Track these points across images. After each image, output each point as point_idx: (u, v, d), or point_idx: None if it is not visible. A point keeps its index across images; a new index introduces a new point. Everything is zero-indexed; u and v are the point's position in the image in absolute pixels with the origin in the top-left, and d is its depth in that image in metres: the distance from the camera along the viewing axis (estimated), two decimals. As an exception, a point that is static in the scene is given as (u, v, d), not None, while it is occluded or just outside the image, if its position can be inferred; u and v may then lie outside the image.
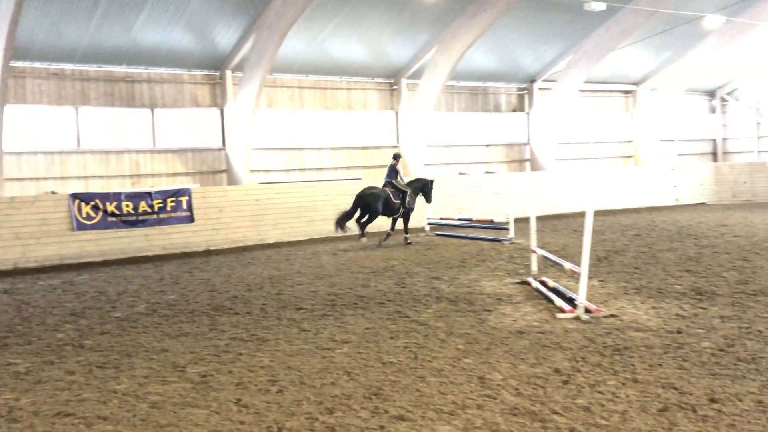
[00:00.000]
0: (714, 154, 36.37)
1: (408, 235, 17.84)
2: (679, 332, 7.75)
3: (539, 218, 21.51)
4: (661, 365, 6.56)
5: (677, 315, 8.60)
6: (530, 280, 11.12)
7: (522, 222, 18.91)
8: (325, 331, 8.47)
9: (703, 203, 28.44)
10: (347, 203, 20.03)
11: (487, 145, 28.99)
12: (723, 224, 19.57)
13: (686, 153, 35.00)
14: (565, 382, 6.14)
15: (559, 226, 20.77)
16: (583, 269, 8.79)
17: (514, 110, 29.83)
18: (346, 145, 25.42)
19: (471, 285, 11.29)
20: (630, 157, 33.03)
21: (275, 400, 5.99)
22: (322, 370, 6.82)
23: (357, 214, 17.21)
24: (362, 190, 17.26)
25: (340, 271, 13.37)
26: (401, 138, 26.20)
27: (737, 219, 21.04)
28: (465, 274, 12.41)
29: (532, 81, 29.57)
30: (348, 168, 25.45)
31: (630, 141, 33.00)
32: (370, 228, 17.82)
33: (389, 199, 17.23)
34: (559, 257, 11.35)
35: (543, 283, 10.67)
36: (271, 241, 18.86)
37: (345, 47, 23.72)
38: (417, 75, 25.73)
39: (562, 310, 8.88)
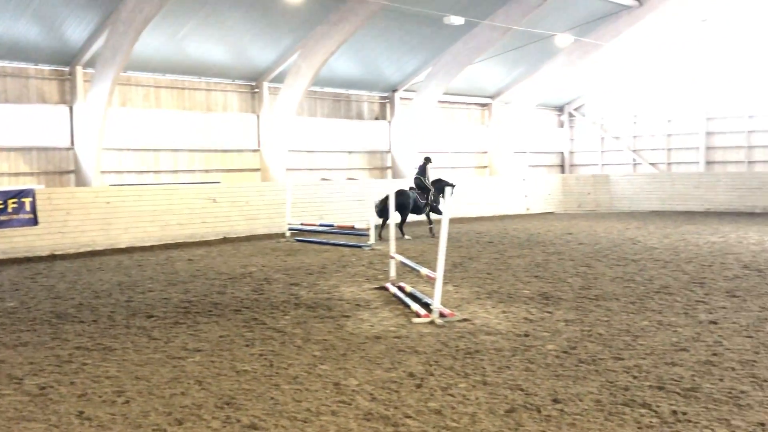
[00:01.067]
0: (562, 167, 38.38)
1: (432, 226, 20.13)
2: (526, 335, 8.07)
3: (400, 225, 21.82)
4: (509, 367, 6.79)
5: (525, 319, 8.96)
6: (388, 285, 11.26)
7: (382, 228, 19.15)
8: (177, 339, 8.17)
9: (552, 212, 29.94)
10: (204, 207, 19.56)
11: (349, 152, 29.17)
12: (569, 232, 20.67)
13: (537, 165, 36.74)
14: (419, 386, 6.23)
15: (419, 233, 21.19)
16: (439, 275, 8.99)
17: (377, 118, 30.21)
18: (204, 148, 24.75)
19: (330, 291, 11.28)
20: (485, 167, 34.26)
21: (121, 412, 5.70)
22: (172, 379, 6.57)
23: (385, 214, 18.48)
24: (397, 191, 19.04)
25: (195, 278, 12.99)
26: (263, 142, 25.86)
27: (582, 228, 22.29)
28: (325, 280, 12.39)
29: (394, 90, 30.07)
30: (206, 171, 24.81)
31: (485, 152, 34.23)
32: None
33: (417, 199, 19.82)
34: (417, 263, 11.56)
35: (401, 289, 10.82)
36: (123, 246, 18.05)
37: (205, 47, 23.14)
38: (279, 79, 25.50)
39: (418, 315, 9.04)
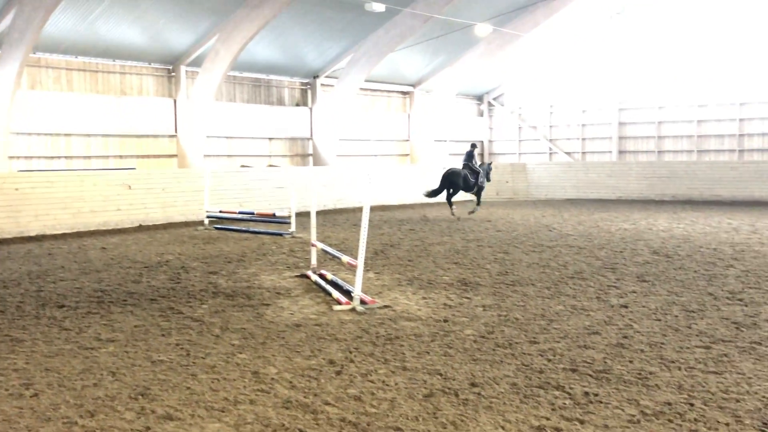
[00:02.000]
0: (482, 155, 38.99)
1: (479, 207, 22.39)
2: (445, 321, 8.17)
3: (321, 213, 21.81)
4: (428, 353, 6.86)
5: (445, 305, 9.07)
6: (309, 273, 11.20)
7: (304, 216, 19.05)
8: (90, 329, 7.92)
9: (471, 200, 30.37)
10: (119, 194, 19.04)
11: (270, 138, 28.84)
12: (488, 220, 21.03)
13: (457, 153, 37.20)
14: (338, 373, 6.23)
15: (340, 221, 21.17)
16: (360, 262, 8.99)
17: (298, 104, 29.96)
18: (118, 133, 24.01)
19: (250, 279, 11.14)
20: (407, 155, 34.48)
21: (29, 405, 5.49)
22: (84, 371, 6.36)
23: (444, 191, 21.54)
24: (448, 170, 21.59)
25: (109, 267, 12.61)
26: (180, 127, 25.27)
27: (500, 215, 22.71)
28: (244, 269, 12.23)
29: (315, 76, 29.87)
30: (120, 157, 24.10)
31: (407, 140, 34.44)
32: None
33: (467, 177, 21.55)
34: (338, 251, 11.55)
35: (322, 276, 10.79)
36: (32, 234, 17.36)
37: (119, 29, 22.40)
38: (197, 63, 24.95)
39: (339, 302, 9.03)
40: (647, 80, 33.66)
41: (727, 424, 5.01)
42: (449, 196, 21.78)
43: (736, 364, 6.42)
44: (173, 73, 25.41)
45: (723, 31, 30.96)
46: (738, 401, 5.47)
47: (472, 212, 22.20)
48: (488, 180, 22.87)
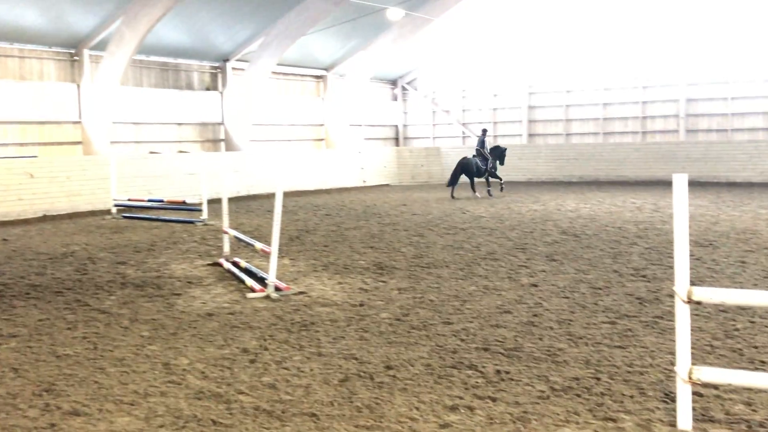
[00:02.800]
0: (397, 139, 39.19)
1: (491, 188, 23.39)
2: (361, 305, 8.18)
3: (234, 199, 21.45)
4: (343, 337, 6.86)
5: (360, 289, 9.08)
6: (222, 261, 11.01)
7: (216, 203, 18.69)
8: (-11, 325, 7.56)
9: (387, 185, 30.51)
10: (20, 183, 18.31)
11: (179, 124, 28.12)
12: (403, 204, 21.18)
13: (372, 137, 37.26)
14: (252, 361, 6.15)
15: (254, 207, 20.90)
16: (274, 248, 8.89)
17: (208, 89, 29.32)
18: (18, 120, 22.92)
19: (160, 269, 10.86)
20: (321, 140, 34.29)
21: None
22: (-18, 369, 6.07)
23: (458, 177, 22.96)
24: (462, 160, 23.11)
25: (11, 259, 12.06)
26: (84, 113, 24.32)
27: (415, 199, 22.91)
28: (154, 258, 11.91)
29: (226, 60, 29.28)
30: (21, 145, 23.03)
31: (321, 125, 34.24)
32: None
33: (478, 165, 23.10)
34: (252, 237, 11.39)
35: (235, 264, 10.62)
36: (-74, 227, 16.43)
37: (16, 10, 21.33)
38: (102, 46, 24.02)
39: (253, 290, 8.91)
40: (555, 64, 34.47)
41: (632, 397, 5.19)
42: (472, 181, 23.35)
43: (639, 339, 6.67)
44: (76, 57, 24.43)
45: (627, 15, 31.97)
46: (642, 374, 5.68)
47: (492, 193, 23.18)
48: (502, 163, 24.20)
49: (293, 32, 27.27)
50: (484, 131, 24.66)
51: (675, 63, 31.32)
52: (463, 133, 37.23)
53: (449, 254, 11.65)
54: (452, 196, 22.67)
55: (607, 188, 25.79)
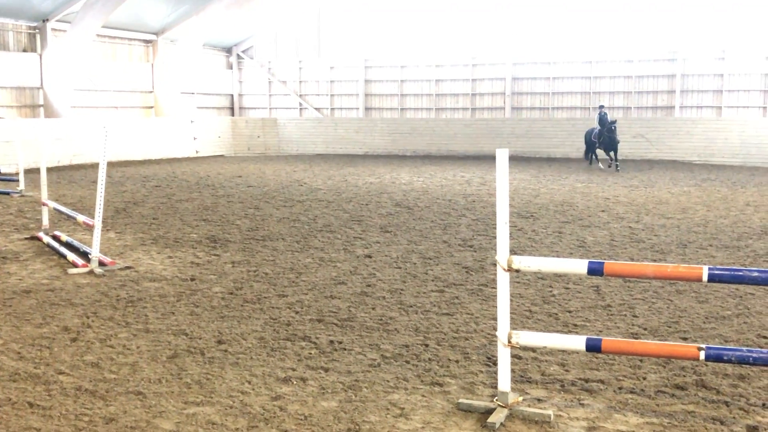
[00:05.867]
0: (232, 109, 38.28)
1: (612, 162, 23.53)
2: (192, 279, 7.97)
3: (56, 169, 20.19)
4: (173, 313, 6.66)
5: (192, 263, 8.85)
6: (41, 234, 10.32)
7: (34, 173, 17.47)
8: None
9: (222, 155, 29.84)
10: None
11: (-8, 87, 25.90)
12: (239, 175, 20.79)
13: (206, 107, 36.13)
14: (74, 340, 5.83)
15: (77, 177, 19.72)
16: (97, 222, 8.44)
17: (25, 50, 27.16)
18: None
19: (-31, 243, 10.01)
20: (151, 107, 32.82)
21: None
22: None
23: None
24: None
25: None
26: None
27: (251, 170, 22.56)
28: (-38, 232, 10.96)
29: (45, 20, 27.21)
30: None
31: (151, 92, 32.75)
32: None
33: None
34: (75, 210, 10.76)
35: (55, 238, 9.99)
36: None
37: None
38: None
39: (75, 265, 8.43)
40: (390, 39, 34.95)
41: (457, 361, 5.43)
42: (615, 154, 23.59)
43: (465, 306, 6.98)
44: None
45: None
46: (467, 339, 5.96)
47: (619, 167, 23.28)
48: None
49: (120, -7, 25.79)
50: (601, 106, 24.95)
51: (503, 42, 32.72)
52: (301, 104, 37.01)
53: (285, 227, 11.59)
54: (600, 167, 23.65)
55: (439, 162, 26.65)
